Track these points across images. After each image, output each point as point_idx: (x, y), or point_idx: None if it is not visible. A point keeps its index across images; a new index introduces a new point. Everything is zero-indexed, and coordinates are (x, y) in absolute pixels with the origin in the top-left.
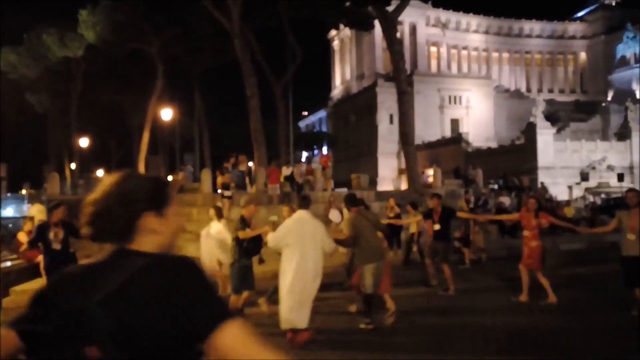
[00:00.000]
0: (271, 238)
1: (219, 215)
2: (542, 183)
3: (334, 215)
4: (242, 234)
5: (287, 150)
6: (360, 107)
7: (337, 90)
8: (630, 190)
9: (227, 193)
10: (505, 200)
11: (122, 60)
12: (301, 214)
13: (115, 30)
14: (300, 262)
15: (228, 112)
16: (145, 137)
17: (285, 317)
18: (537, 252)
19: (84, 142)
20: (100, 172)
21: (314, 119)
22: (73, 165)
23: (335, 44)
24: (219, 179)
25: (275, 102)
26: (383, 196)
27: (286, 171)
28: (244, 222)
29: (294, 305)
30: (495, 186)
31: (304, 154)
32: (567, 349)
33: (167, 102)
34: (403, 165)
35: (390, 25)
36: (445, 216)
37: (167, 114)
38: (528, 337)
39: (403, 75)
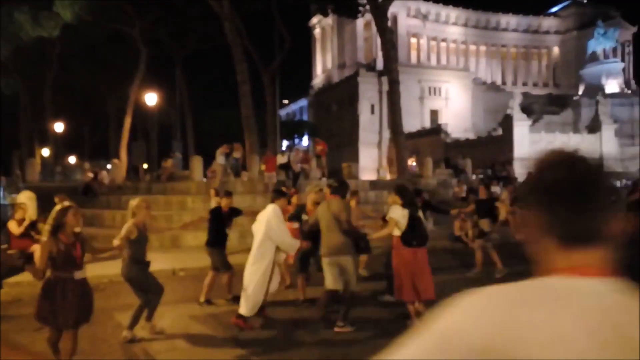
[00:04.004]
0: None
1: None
2: None
3: None
4: None
5: (274, 139)
6: (341, 96)
7: (318, 79)
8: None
9: None
10: (497, 190)
11: (101, 42)
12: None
13: (94, 9)
14: None
15: (210, 99)
16: (127, 123)
17: None
18: None
19: (59, 127)
20: (72, 159)
21: (295, 108)
22: (45, 151)
23: (317, 32)
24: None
25: (261, 90)
26: (377, 185)
27: (281, 159)
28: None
29: None
30: (481, 176)
31: (285, 143)
32: None
33: (148, 87)
34: (384, 156)
35: (381, 13)
36: None
37: (151, 99)
38: None
39: (394, 65)
